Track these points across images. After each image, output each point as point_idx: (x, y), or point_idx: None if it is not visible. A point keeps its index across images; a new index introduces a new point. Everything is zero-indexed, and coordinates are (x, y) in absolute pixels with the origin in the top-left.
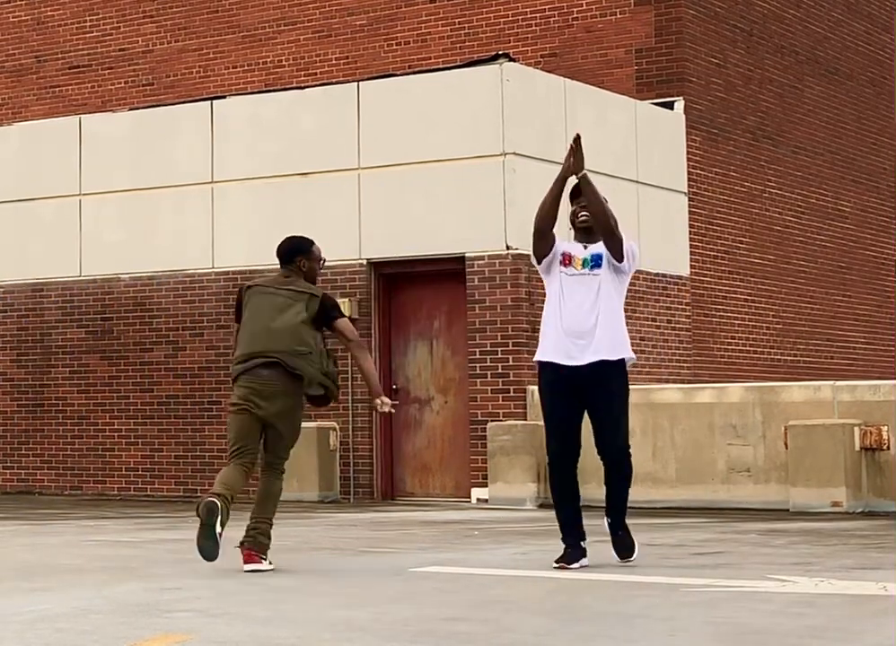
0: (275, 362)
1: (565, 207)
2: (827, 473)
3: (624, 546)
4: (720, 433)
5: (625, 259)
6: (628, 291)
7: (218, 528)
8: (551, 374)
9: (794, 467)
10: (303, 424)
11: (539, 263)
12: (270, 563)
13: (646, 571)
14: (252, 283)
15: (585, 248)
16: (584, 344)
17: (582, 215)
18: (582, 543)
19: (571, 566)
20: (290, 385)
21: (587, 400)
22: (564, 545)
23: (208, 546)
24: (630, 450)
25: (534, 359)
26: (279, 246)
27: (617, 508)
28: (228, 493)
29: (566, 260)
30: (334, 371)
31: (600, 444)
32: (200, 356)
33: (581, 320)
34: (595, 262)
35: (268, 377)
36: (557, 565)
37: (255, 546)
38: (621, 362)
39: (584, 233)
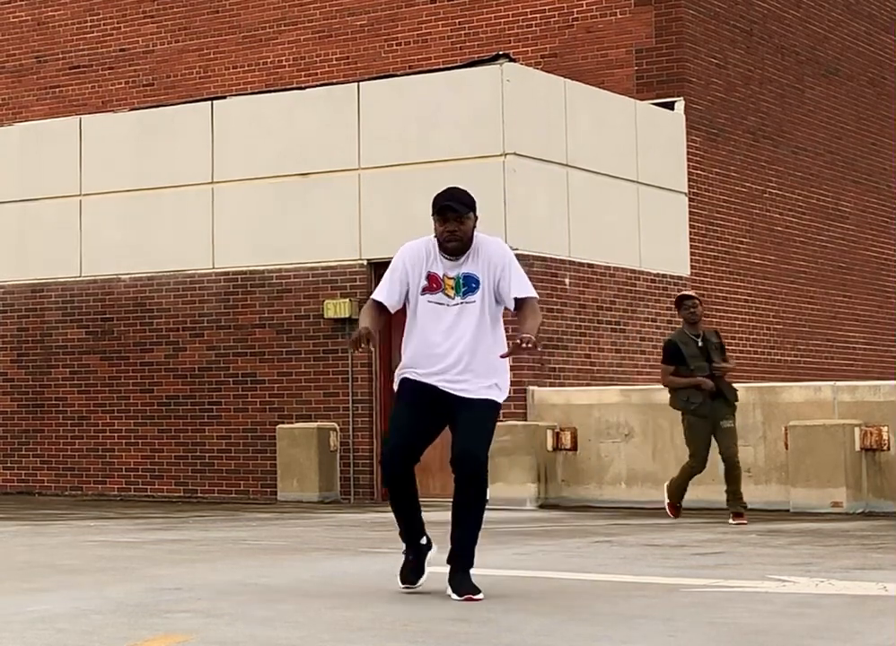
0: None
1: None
2: (827, 473)
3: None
4: None
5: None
6: (629, 291)
7: None
8: (412, 387)
9: (794, 467)
10: (304, 425)
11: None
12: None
13: (647, 571)
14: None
15: (452, 260)
16: (456, 379)
17: (451, 244)
18: (422, 540)
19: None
20: None
21: (450, 418)
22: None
23: None
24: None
25: (395, 377)
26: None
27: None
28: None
29: (434, 284)
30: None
31: (453, 453)
32: (200, 356)
33: (453, 356)
34: (469, 286)
35: None
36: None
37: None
38: (498, 404)
39: (451, 253)
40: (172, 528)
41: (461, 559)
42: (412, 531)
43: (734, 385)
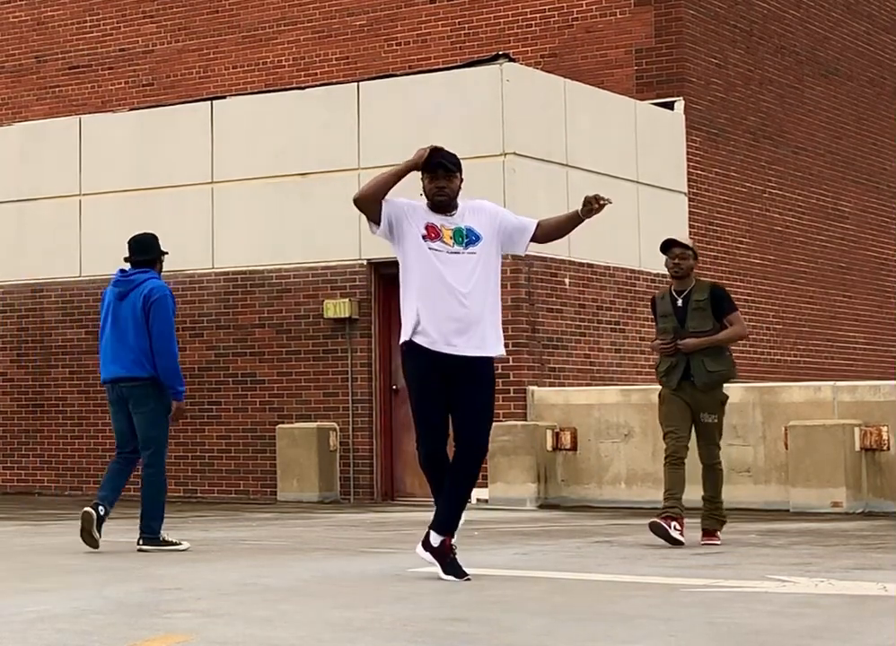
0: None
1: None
2: (827, 473)
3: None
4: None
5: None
6: (629, 291)
7: None
8: (423, 360)
9: (794, 467)
10: (303, 425)
11: (378, 226)
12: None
13: (646, 571)
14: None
15: (449, 216)
16: (465, 332)
17: (439, 198)
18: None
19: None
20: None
21: (455, 390)
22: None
23: None
24: (486, 456)
25: (402, 340)
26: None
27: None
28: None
29: (433, 233)
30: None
31: (459, 437)
32: (200, 356)
33: (463, 306)
34: (471, 238)
35: None
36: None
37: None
38: (492, 359)
39: (438, 207)
40: (172, 528)
41: (449, 526)
42: None
43: (735, 384)
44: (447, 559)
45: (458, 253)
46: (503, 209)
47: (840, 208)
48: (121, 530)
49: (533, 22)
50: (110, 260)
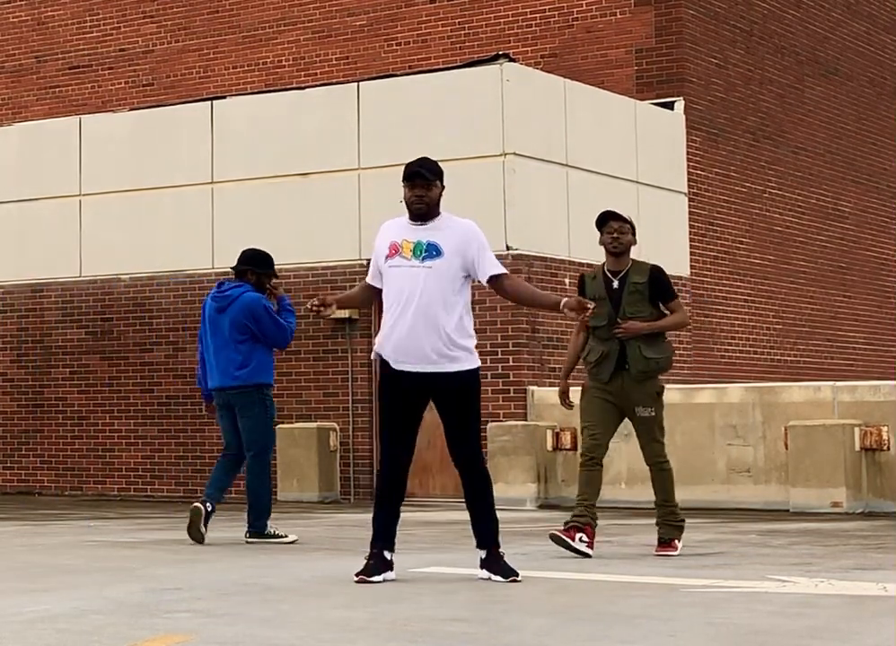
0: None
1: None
2: (827, 473)
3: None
4: (720, 434)
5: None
6: None
7: None
8: (387, 376)
9: (794, 467)
10: (304, 425)
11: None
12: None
13: (646, 571)
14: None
15: (416, 226)
16: (419, 348)
17: (417, 206)
18: (387, 553)
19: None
20: None
21: (437, 407)
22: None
23: None
24: (485, 458)
25: (374, 351)
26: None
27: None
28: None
29: (393, 251)
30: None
31: (452, 454)
32: None
33: (408, 319)
34: (430, 253)
35: None
36: (357, 579)
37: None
38: (474, 371)
39: (419, 217)
40: (172, 528)
41: (491, 542)
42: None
43: (735, 384)
44: (500, 563)
45: (414, 267)
46: (480, 241)
47: (840, 208)
48: (121, 530)
49: (533, 22)
50: (111, 260)
